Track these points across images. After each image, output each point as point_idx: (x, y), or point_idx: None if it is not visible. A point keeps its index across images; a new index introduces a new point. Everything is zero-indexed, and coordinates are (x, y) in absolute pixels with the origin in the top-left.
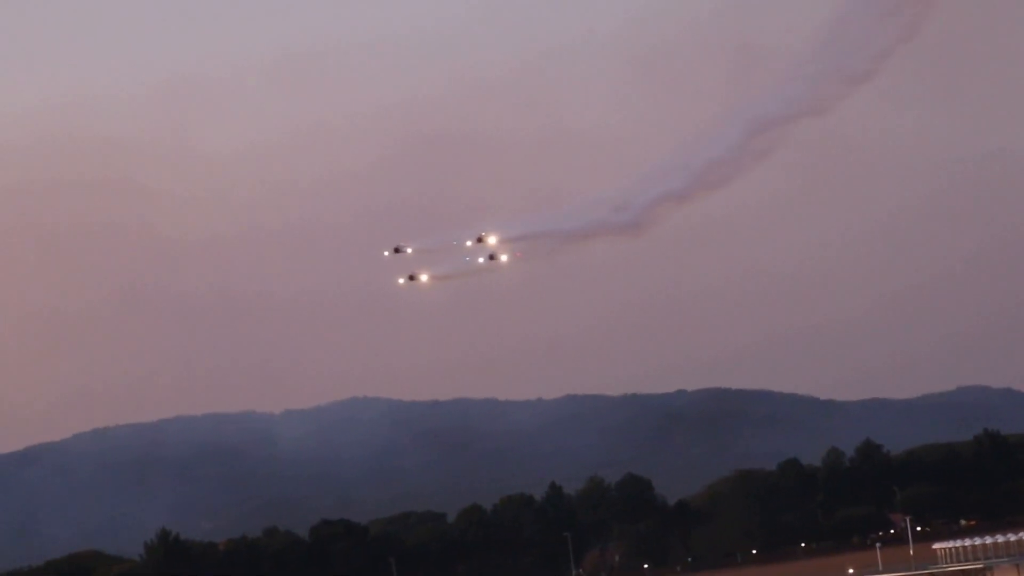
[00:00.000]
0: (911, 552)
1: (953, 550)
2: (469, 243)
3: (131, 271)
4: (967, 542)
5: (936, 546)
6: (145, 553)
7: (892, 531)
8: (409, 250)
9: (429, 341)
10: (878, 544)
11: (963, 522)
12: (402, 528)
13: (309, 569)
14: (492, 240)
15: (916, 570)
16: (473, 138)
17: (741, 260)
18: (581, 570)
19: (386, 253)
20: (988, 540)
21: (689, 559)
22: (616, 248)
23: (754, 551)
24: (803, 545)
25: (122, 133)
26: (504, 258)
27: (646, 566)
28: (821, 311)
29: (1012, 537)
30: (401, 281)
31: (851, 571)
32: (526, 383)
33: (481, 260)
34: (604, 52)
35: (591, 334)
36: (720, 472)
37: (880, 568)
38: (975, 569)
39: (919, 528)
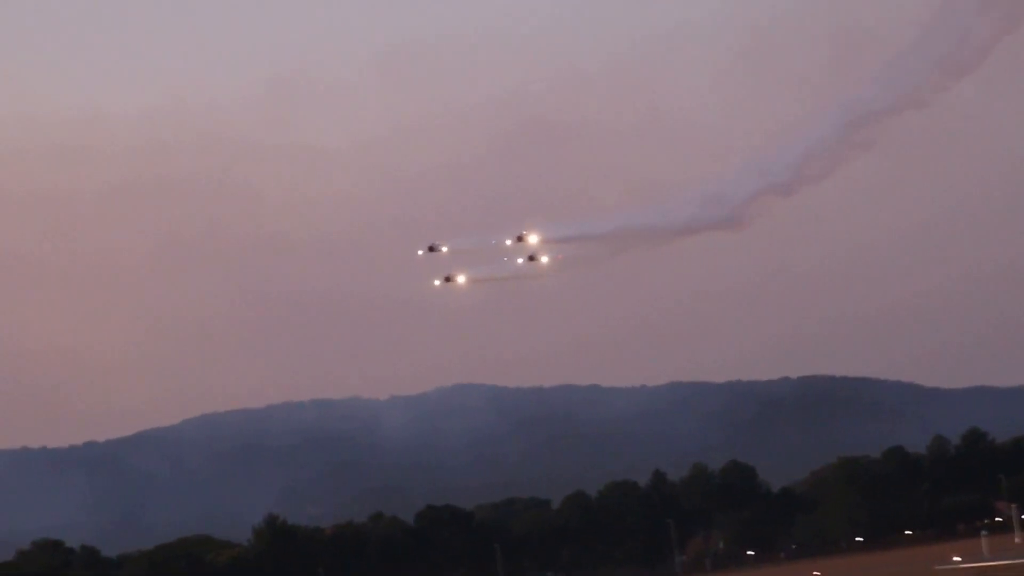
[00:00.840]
0: (1017, 540)
1: None
2: (509, 242)
3: (241, 265)
4: None
5: None
6: (253, 538)
7: (998, 519)
8: (444, 248)
9: (533, 328)
10: (984, 532)
11: None
12: (507, 514)
13: (414, 554)
14: (532, 239)
15: (1022, 558)
16: (575, 128)
17: (843, 246)
18: (685, 557)
19: (420, 252)
20: None
21: (793, 546)
22: (719, 235)
23: (858, 539)
24: (908, 533)
25: (231, 132)
26: (544, 260)
27: (750, 553)
28: (925, 299)
29: None
30: (437, 283)
31: (956, 559)
32: (630, 370)
33: (520, 261)
34: (703, 40)
35: (695, 320)
36: (824, 460)
37: (986, 556)
38: None
39: None
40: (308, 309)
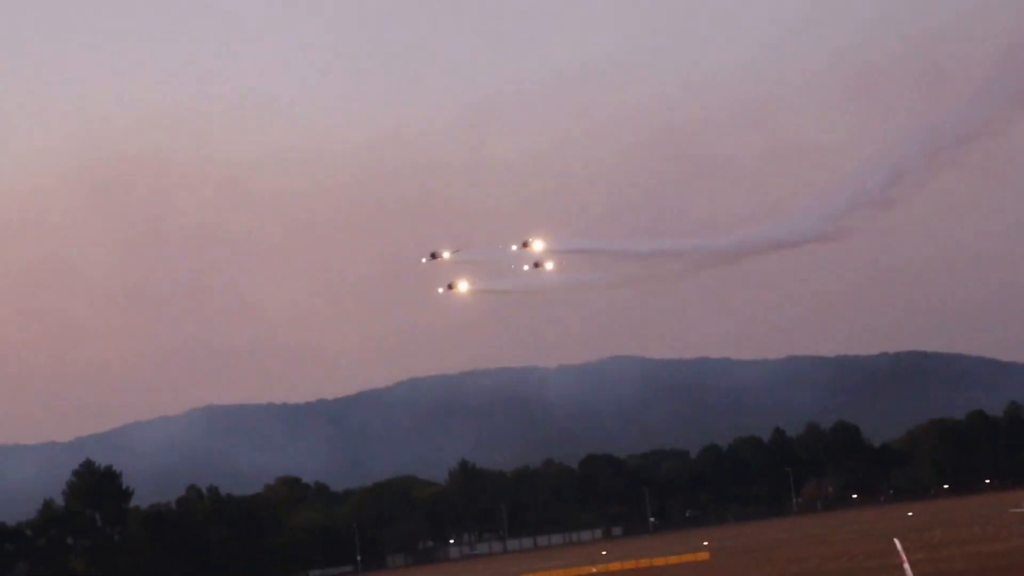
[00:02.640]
0: None
1: None
2: (515, 247)
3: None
4: None
5: None
6: (449, 478)
7: None
8: (446, 254)
9: (676, 305)
10: None
11: None
12: (653, 463)
13: (579, 493)
14: (537, 246)
15: None
16: (703, 148)
17: (939, 238)
18: (800, 499)
19: (424, 260)
20: None
21: (891, 491)
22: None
23: (946, 486)
24: (987, 481)
25: (436, 157)
26: (549, 266)
27: (855, 497)
28: (1009, 289)
29: None
30: (440, 291)
31: None
32: (755, 344)
33: (526, 268)
34: (822, 75)
35: (810, 303)
36: (917, 421)
37: None
38: None
39: None
40: None
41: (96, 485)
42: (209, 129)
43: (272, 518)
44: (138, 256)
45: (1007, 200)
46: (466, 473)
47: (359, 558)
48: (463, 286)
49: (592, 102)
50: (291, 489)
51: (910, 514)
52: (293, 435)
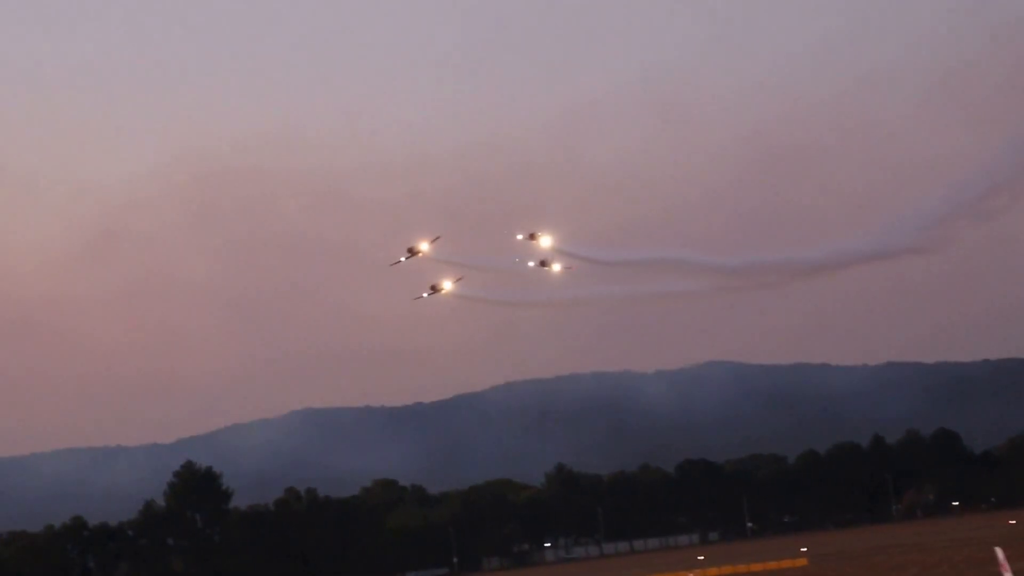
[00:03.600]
0: None
1: None
2: (520, 236)
3: None
4: None
5: None
6: (545, 482)
7: None
8: (425, 247)
9: (773, 309)
10: None
11: None
12: (750, 468)
13: (675, 498)
14: (545, 242)
15: None
16: (808, 155)
17: None
18: (900, 506)
19: (402, 259)
20: None
21: (992, 499)
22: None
23: None
24: None
25: (530, 162)
26: (556, 267)
27: (955, 504)
28: None
29: None
30: (425, 295)
31: None
32: (854, 349)
33: (531, 264)
34: (915, 76)
35: (911, 305)
36: (1019, 428)
37: None
38: None
39: None
40: None
41: (196, 486)
42: (307, 139)
43: (369, 520)
44: (239, 264)
45: None
46: (562, 477)
47: (455, 560)
48: (447, 285)
49: (683, 101)
50: (388, 491)
51: (1012, 522)
52: (390, 438)
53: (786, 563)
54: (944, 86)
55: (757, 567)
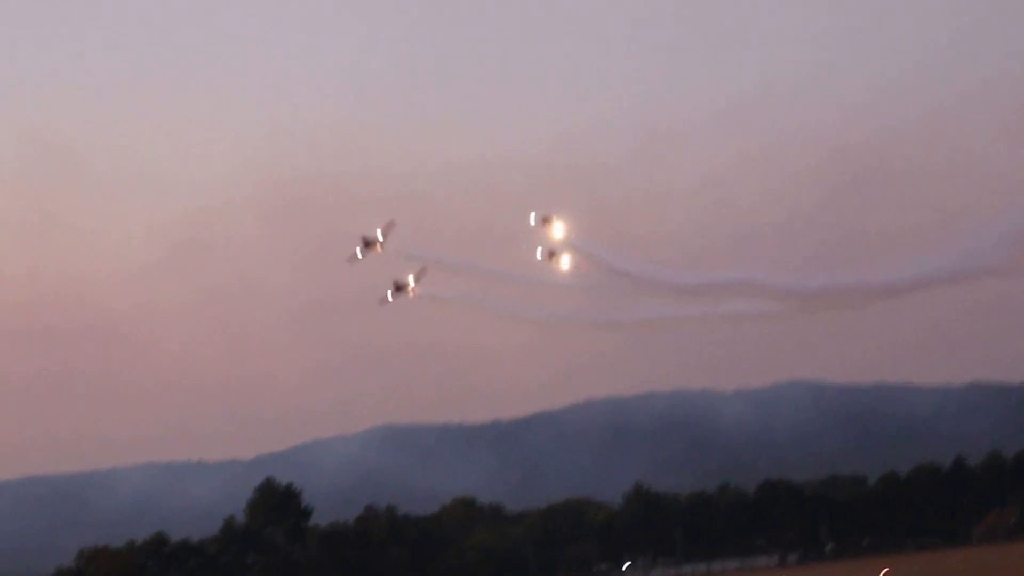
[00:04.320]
0: None
1: None
2: (532, 214)
3: None
4: None
5: None
6: (623, 502)
7: None
8: (381, 238)
9: (852, 327)
10: None
11: None
12: (830, 489)
13: (754, 519)
14: (558, 232)
15: None
16: (893, 177)
17: None
18: (981, 528)
19: (358, 251)
20: None
21: None
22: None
23: None
24: None
25: (614, 182)
26: (565, 262)
27: None
28: None
29: None
30: (390, 295)
31: None
32: (937, 368)
33: (539, 254)
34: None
35: (995, 324)
36: None
37: None
38: None
39: None
40: None
41: (276, 503)
42: (382, 144)
43: (448, 538)
44: (319, 277)
45: None
46: (640, 496)
47: None
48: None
49: (765, 123)
50: (466, 510)
51: None
52: (468, 456)
53: None
54: None
55: None
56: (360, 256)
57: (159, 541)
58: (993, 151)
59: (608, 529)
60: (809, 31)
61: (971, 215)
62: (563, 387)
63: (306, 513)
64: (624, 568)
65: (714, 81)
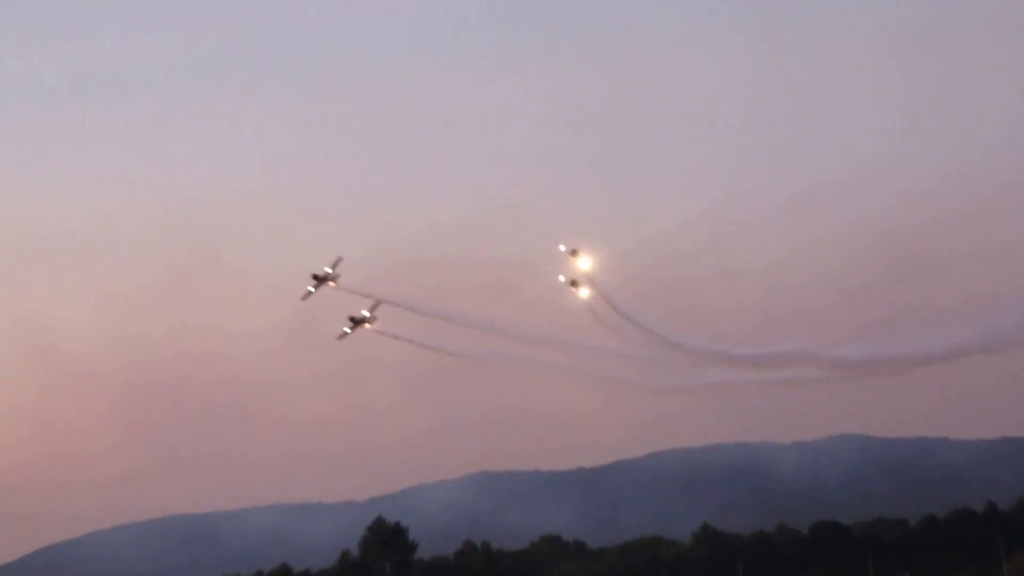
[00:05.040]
0: None
1: None
2: (563, 247)
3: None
4: None
5: None
6: (692, 540)
7: None
8: (332, 276)
9: (900, 385)
10: None
11: None
12: (876, 530)
13: (808, 558)
14: (584, 264)
15: None
16: (933, 258)
17: None
18: (1010, 565)
19: (310, 289)
20: None
21: None
22: None
23: None
24: None
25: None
26: (584, 294)
27: None
28: None
29: None
30: (348, 330)
31: None
32: (972, 423)
33: (561, 278)
34: None
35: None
36: None
37: None
38: None
39: None
40: None
41: (386, 539)
42: (484, 231)
43: (537, 572)
44: (420, 353)
45: None
46: (707, 535)
47: None
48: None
49: (822, 214)
50: (553, 546)
51: None
52: (555, 498)
53: None
54: None
55: None
56: (313, 291)
57: (284, 573)
58: (1019, 240)
59: (679, 564)
60: (859, 134)
61: (999, 296)
62: (640, 439)
63: (411, 548)
64: None
65: (779, 177)
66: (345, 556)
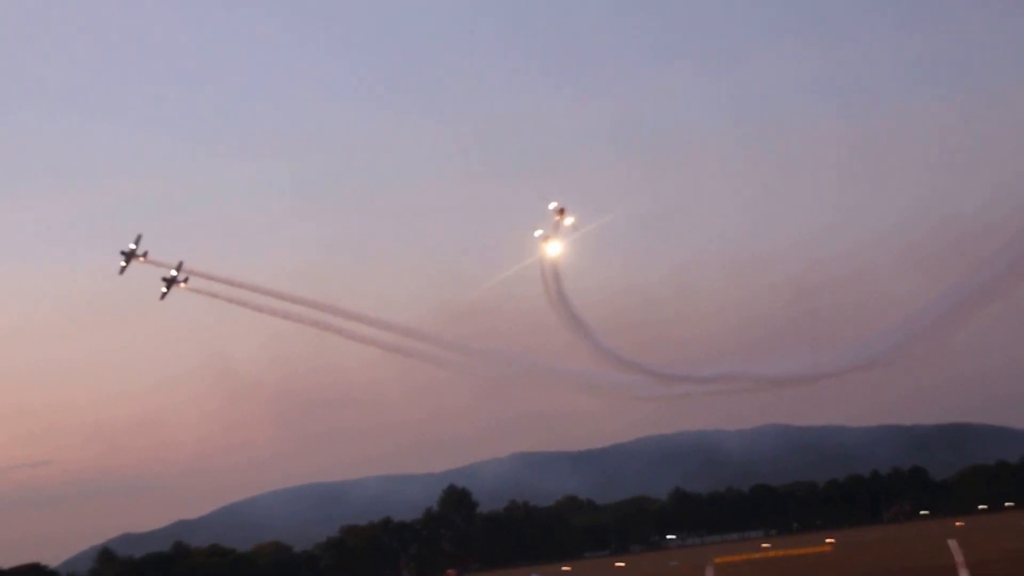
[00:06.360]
0: None
1: None
2: (553, 205)
3: None
4: None
5: None
6: (668, 499)
7: None
8: (142, 253)
9: (807, 390)
10: None
11: None
12: (794, 491)
13: (750, 511)
14: (568, 221)
15: None
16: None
17: None
18: (888, 514)
19: (122, 265)
20: None
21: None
22: None
23: None
24: None
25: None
26: (555, 248)
27: (923, 512)
28: None
29: None
30: (165, 290)
31: None
32: (860, 415)
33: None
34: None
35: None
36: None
37: None
38: None
39: None
40: None
41: (456, 500)
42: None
43: (561, 521)
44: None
45: None
46: (679, 496)
47: (612, 546)
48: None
49: (758, 274)
50: (571, 503)
51: (958, 524)
52: (572, 470)
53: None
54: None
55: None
56: (125, 265)
57: (387, 523)
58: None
59: (659, 516)
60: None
61: (873, 328)
62: (629, 428)
63: (473, 506)
64: (668, 537)
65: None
66: (428, 512)
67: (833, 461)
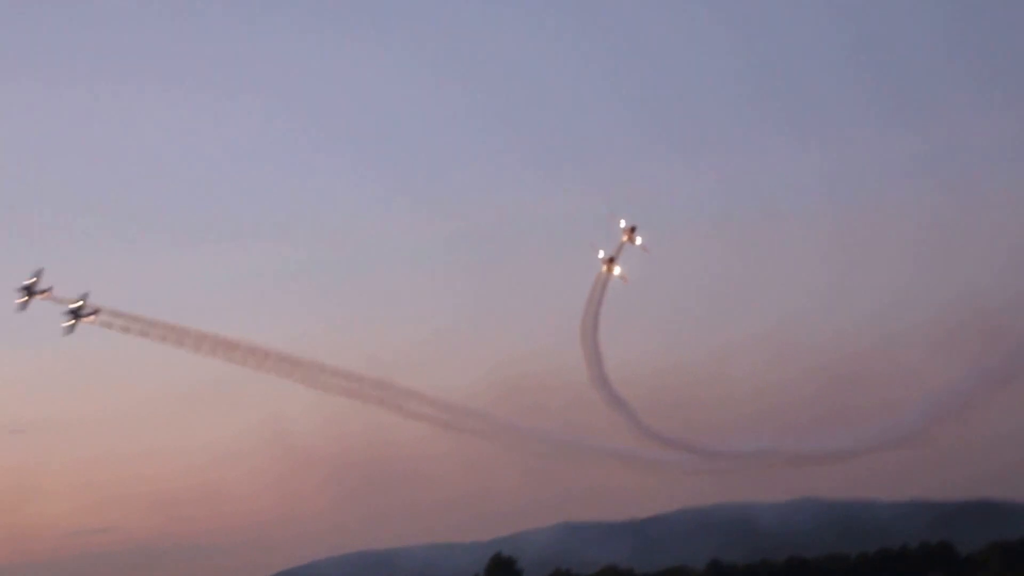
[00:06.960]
0: None
1: None
2: (623, 223)
3: None
4: None
5: None
6: (705, 570)
7: None
8: (43, 288)
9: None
10: None
11: None
12: (829, 563)
13: None
14: (639, 241)
15: None
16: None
17: None
18: None
19: (20, 300)
20: None
21: None
22: None
23: None
24: None
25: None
26: (617, 270)
27: None
28: None
29: None
30: (70, 324)
31: None
32: (891, 489)
33: (601, 254)
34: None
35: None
36: None
37: None
38: None
39: None
40: None
41: (502, 569)
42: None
43: None
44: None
45: None
46: (715, 567)
47: None
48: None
49: (785, 347)
50: (613, 572)
51: None
52: (613, 540)
53: None
54: None
55: None
56: (26, 301)
57: None
58: (917, 360)
59: None
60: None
61: (901, 406)
62: (668, 500)
63: (518, 573)
64: None
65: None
66: None
67: (864, 534)
